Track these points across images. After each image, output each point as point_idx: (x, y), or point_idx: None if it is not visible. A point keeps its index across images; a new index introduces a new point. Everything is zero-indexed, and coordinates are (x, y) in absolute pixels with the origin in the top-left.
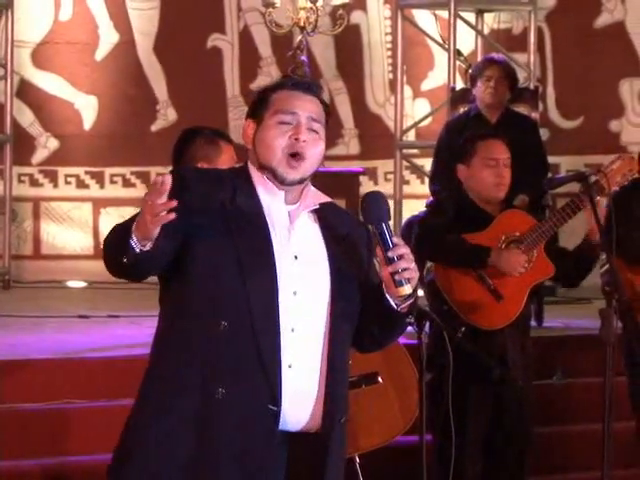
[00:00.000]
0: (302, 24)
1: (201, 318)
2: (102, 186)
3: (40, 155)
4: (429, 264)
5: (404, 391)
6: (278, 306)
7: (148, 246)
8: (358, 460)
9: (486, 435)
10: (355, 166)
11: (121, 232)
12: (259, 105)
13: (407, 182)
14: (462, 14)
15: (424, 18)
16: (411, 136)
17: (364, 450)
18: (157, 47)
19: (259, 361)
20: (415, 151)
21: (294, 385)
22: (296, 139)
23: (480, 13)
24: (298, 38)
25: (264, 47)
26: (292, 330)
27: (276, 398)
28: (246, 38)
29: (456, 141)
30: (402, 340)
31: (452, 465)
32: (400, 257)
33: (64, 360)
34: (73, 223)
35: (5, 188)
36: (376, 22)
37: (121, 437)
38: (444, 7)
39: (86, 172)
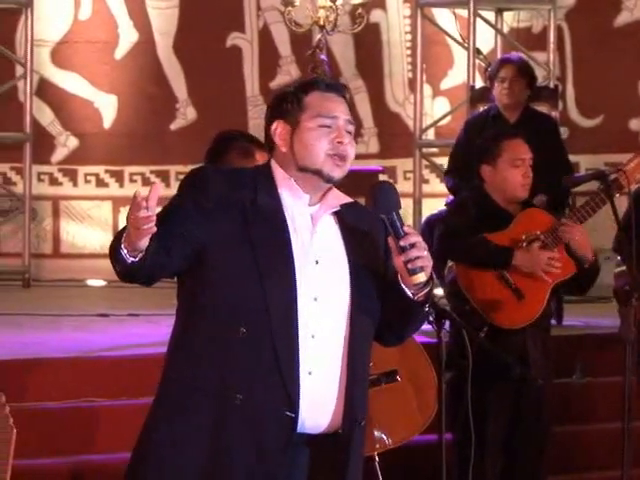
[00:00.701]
0: (322, 23)
1: (219, 322)
2: (121, 185)
3: (60, 154)
4: (450, 263)
5: (422, 389)
6: (297, 312)
7: (138, 257)
8: (377, 459)
9: (505, 434)
10: (374, 165)
11: (116, 241)
12: (291, 106)
13: (426, 181)
14: (482, 13)
15: (444, 17)
16: (430, 135)
17: (383, 449)
18: (176, 46)
19: (277, 368)
20: (434, 150)
21: (314, 391)
22: (339, 142)
23: (500, 12)
24: (317, 37)
25: (283, 46)
26: (312, 337)
27: (293, 404)
28: (265, 37)
29: (475, 139)
30: (420, 339)
31: (471, 464)
32: (412, 245)
33: (83, 359)
34: (93, 222)
35: (25, 187)
36: (396, 21)
37: (138, 438)
38: (464, 6)
39: (106, 171)
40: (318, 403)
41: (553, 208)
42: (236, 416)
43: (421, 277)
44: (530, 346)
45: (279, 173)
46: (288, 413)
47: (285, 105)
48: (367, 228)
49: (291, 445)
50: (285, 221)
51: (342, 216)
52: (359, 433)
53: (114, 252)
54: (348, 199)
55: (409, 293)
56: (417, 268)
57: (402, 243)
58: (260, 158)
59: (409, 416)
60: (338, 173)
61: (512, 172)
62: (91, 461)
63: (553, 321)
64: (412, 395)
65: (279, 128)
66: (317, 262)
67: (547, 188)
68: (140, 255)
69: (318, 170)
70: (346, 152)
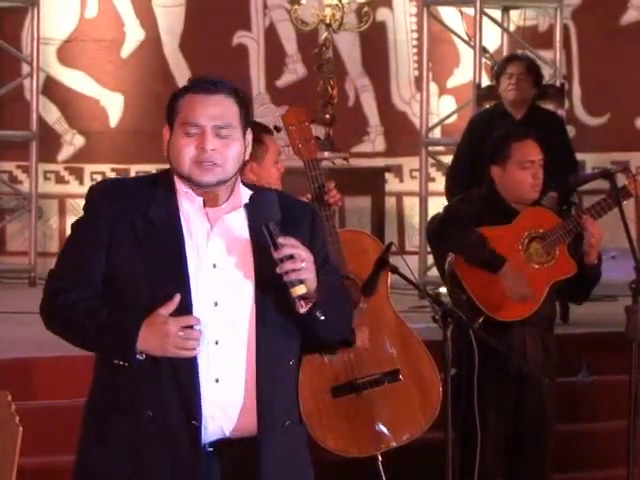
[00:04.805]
0: (328, 21)
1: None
2: None
3: (66, 152)
4: (450, 256)
5: (425, 389)
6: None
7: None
8: (380, 459)
9: (509, 434)
10: (380, 163)
11: (124, 346)
12: (170, 111)
13: (432, 179)
14: (488, 11)
15: (450, 15)
16: (437, 133)
17: (386, 448)
18: (183, 44)
19: (176, 378)
20: (441, 148)
21: (223, 398)
22: (202, 149)
23: (506, 10)
24: (324, 35)
25: (290, 44)
26: (216, 343)
27: (196, 414)
28: (272, 35)
29: (480, 136)
30: (425, 337)
31: (477, 462)
32: (288, 258)
33: (89, 356)
34: None
35: (31, 185)
36: (402, 19)
37: (75, 458)
38: (470, 4)
39: (112, 169)
40: (229, 409)
41: (561, 205)
42: (149, 431)
43: (300, 290)
44: (529, 343)
45: (176, 177)
46: (193, 422)
47: (168, 109)
48: (280, 226)
49: (201, 453)
50: (179, 227)
51: (253, 214)
52: (283, 434)
53: (115, 347)
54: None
55: (296, 304)
56: (295, 281)
57: (277, 255)
58: (269, 142)
59: (412, 415)
60: (208, 178)
61: (521, 174)
62: None
63: (559, 320)
64: (415, 394)
65: (165, 133)
66: (215, 266)
67: (552, 186)
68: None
69: (188, 176)
70: (210, 158)
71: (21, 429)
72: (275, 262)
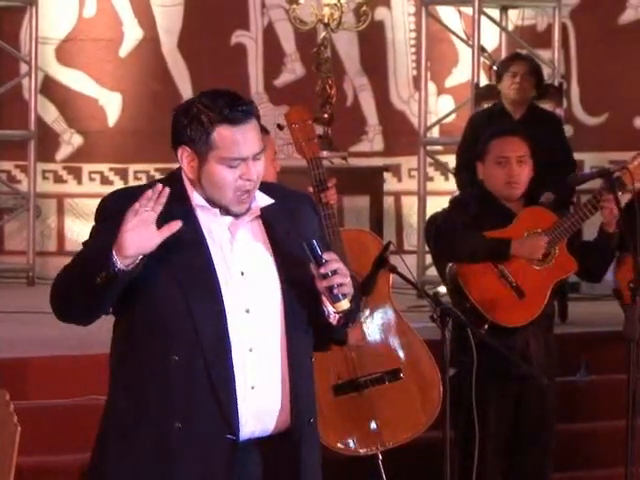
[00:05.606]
0: (326, 20)
1: (152, 352)
2: (126, 183)
3: (64, 151)
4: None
5: (426, 388)
6: (227, 327)
7: (129, 265)
8: (380, 457)
9: (509, 434)
10: (379, 162)
11: (93, 259)
12: (197, 136)
13: (431, 179)
14: (486, 10)
15: (448, 14)
16: (435, 133)
17: (387, 447)
18: (181, 44)
19: (213, 392)
20: (439, 147)
21: (258, 404)
22: (248, 180)
23: (504, 9)
24: (322, 34)
25: (288, 44)
26: (250, 350)
27: (233, 427)
28: (270, 35)
29: (479, 134)
30: (424, 336)
31: (476, 463)
32: (334, 272)
33: (88, 356)
34: None
35: (29, 185)
36: (400, 19)
37: (89, 469)
38: (468, 3)
39: (110, 169)
40: (265, 413)
41: (559, 206)
42: (179, 443)
43: (344, 304)
44: (532, 344)
45: (190, 188)
46: (229, 436)
47: (191, 133)
48: (294, 226)
49: (235, 466)
50: (202, 236)
51: (266, 218)
52: (309, 430)
53: (97, 264)
54: (268, 200)
55: (331, 317)
56: (340, 295)
57: (322, 270)
58: (266, 141)
59: (412, 415)
60: (245, 207)
61: (495, 170)
62: None
63: (557, 319)
64: (416, 393)
65: (186, 156)
66: (243, 273)
67: (551, 186)
68: (130, 264)
69: (225, 206)
70: (253, 186)
71: (19, 428)
72: (312, 276)
